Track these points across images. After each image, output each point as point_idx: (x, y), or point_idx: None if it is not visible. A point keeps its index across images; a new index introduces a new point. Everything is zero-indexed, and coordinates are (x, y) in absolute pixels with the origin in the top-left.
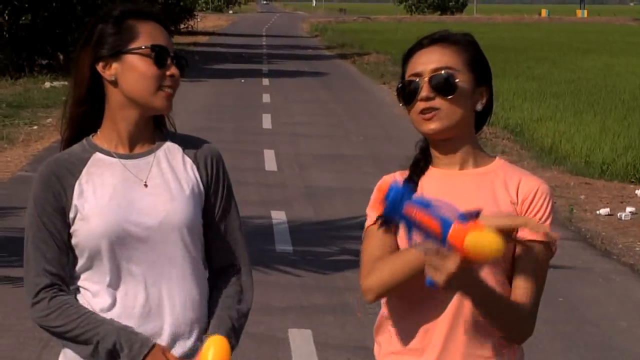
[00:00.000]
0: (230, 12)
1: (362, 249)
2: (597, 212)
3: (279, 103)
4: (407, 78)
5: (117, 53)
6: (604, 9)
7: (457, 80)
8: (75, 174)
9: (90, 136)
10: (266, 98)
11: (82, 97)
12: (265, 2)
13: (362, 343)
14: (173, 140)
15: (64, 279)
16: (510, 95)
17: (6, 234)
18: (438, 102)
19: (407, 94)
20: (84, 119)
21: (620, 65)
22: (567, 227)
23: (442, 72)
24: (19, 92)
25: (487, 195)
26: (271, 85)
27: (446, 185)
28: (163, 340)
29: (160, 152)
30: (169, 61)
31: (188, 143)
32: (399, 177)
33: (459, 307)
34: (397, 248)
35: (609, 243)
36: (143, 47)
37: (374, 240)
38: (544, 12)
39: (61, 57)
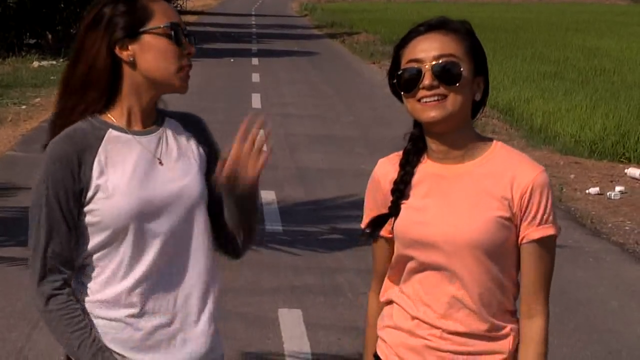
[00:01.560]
0: None
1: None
2: (587, 191)
3: (269, 83)
4: (405, 65)
5: (134, 33)
6: None
7: (461, 69)
8: (93, 152)
9: (97, 114)
10: (255, 78)
11: (98, 79)
12: None
13: (353, 323)
14: (169, 115)
15: (72, 262)
16: (500, 75)
17: None
18: (442, 90)
19: (406, 81)
20: (94, 96)
21: (610, 46)
22: (557, 207)
23: (446, 59)
24: (7, 72)
25: (478, 193)
26: (260, 65)
27: (438, 182)
28: (179, 308)
29: (166, 129)
30: (184, 39)
31: (182, 118)
32: (393, 160)
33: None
34: (388, 261)
35: (598, 222)
36: (162, 26)
37: (374, 253)
38: None
39: (50, 36)
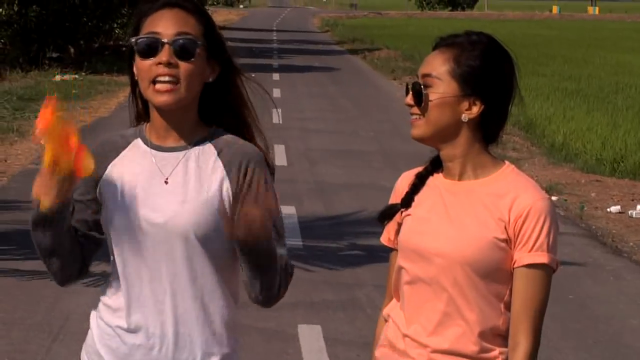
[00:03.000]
0: (241, 6)
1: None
2: (608, 209)
3: (289, 98)
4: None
5: (132, 53)
6: (615, 6)
7: (426, 91)
8: (114, 155)
9: (144, 123)
10: (276, 93)
11: (132, 86)
12: None
13: (372, 339)
14: (213, 141)
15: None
16: (522, 91)
17: (16, 227)
18: (415, 110)
19: (406, 92)
20: (138, 106)
21: (632, 63)
22: (577, 225)
23: (422, 80)
24: (29, 85)
25: (476, 211)
26: (281, 80)
27: (442, 196)
28: (168, 339)
29: (192, 151)
30: (159, 48)
31: (228, 146)
32: (413, 174)
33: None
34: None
35: (619, 241)
36: (132, 41)
37: (390, 266)
38: (555, 9)
39: (72, 50)
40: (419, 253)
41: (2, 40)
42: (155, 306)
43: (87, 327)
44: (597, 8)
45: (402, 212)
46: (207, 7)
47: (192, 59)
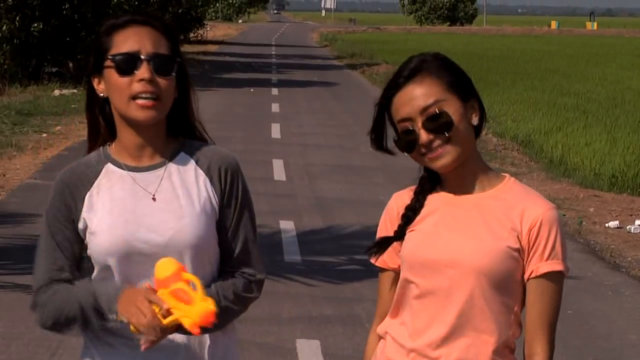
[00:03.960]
0: (240, 21)
1: (377, 290)
2: (607, 224)
3: (288, 113)
4: (398, 125)
5: (99, 68)
6: (613, 21)
7: (450, 114)
8: (87, 186)
9: (107, 144)
10: (275, 108)
11: (88, 104)
12: (276, 11)
13: None
14: (187, 151)
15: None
16: (520, 106)
17: (14, 242)
18: (439, 142)
19: (407, 144)
20: (99, 125)
21: (631, 78)
22: (576, 240)
23: (433, 110)
24: (28, 100)
25: (488, 222)
26: (280, 95)
27: (449, 210)
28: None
29: (172, 165)
30: (138, 65)
31: (203, 154)
32: (407, 196)
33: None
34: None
35: (618, 256)
36: (109, 58)
37: (379, 287)
38: (553, 24)
39: (71, 65)
40: (429, 266)
41: (3, 56)
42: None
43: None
44: (595, 23)
45: (399, 226)
46: (205, 22)
47: (170, 76)
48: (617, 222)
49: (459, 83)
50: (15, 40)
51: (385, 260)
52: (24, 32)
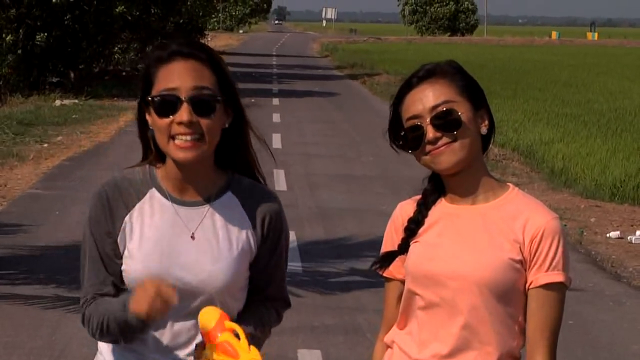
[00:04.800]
0: (241, 31)
1: (383, 299)
2: (608, 235)
3: (289, 123)
4: (406, 123)
5: (145, 102)
6: (614, 31)
7: (459, 113)
8: (129, 206)
9: (155, 166)
10: (276, 117)
11: (140, 128)
12: (277, 22)
13: None
14: (235, 190)
15: (115, 294)
16: (521, 117)
17: (16, 252)
18: (445, 140)
19: (412, 140)
20: (150, 145)
21: (631, 89)
22: (577, 250)
23: (442, 108)
24: (29, 110)
25: (491, 234)
26: (281, 105)
27: (452, 221)
28: None
29: (216, 204)
30: (178, 106)
31: (250, 196)
32: (411, 207)
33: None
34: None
35: (619, 266)
36: (150, 98)
37: (385, 297)
38: (554, 35)
39: (72, 75)
40: (432, 278)
41: (6, 66)
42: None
43: (88, 352)
44: (596, 33)
45: (402, 239)
46: (206, 32)
47: (212, 115)
48: (618, 233)
49: (471, 90)
50: (18, 51)
51: (391, 270)
52: (26, 42)
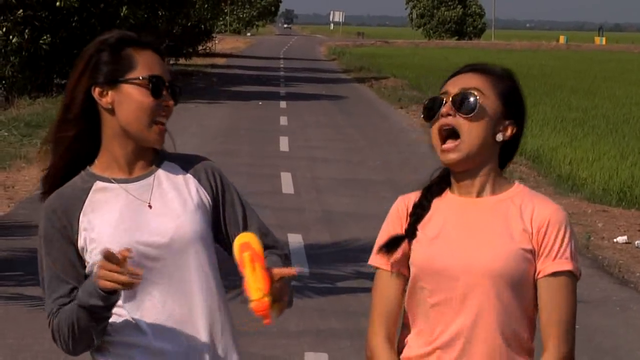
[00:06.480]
0: (248, 34)
1: (372, 292)
2: (615, 240)
3: (296, 126)
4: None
5: (114, 81)
6: (622, 36)
7: (479, 100)
8: (79, 206)
9: (88, 167)
10: (283, 121)
11: (74, 118)
12: (286, 26)
13: None
14: (170, 159)
15: None
16: (528, 121)
17: (23, 254)
18: (456, 120)
19: (428, 109)
20: (76, 144)
21: (639, 94)
22: (584, 255)
23: (468, 90)
24: (37, 112)
25: (500, 225)
26: (288, 108)
27: (459, 214)
28: (199, 346)
29: (160, 173)
30: (164, 91)
31: (184, 161)
32: (413, 197)
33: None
34: (399, 299)
35: (626, 271)
36: (140, 78)
37: (379, 289)
38: (562, 39)
39: None
40: (443, 273)
41: (12, 68)
42: (172, 322)
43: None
44: (604, 38)
45: (409, 224)
46: (214, 35)
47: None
48: (625, 238)
49: (509, 98)
50: (24, 53)
51: (391, 262)
52: (33, 44)
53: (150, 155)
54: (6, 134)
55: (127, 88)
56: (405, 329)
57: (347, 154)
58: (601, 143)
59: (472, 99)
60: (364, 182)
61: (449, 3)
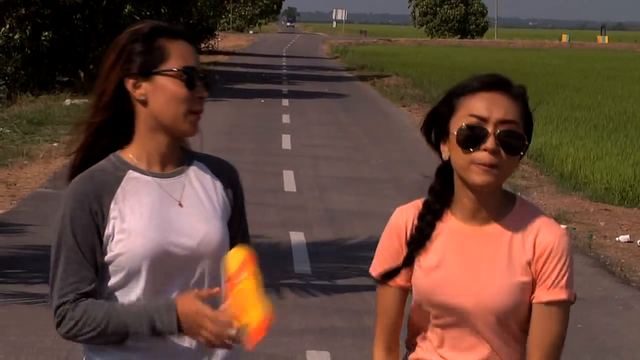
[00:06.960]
0: (251, 32)
1: (376, 301)
2: (617, 238)
3: (299, 124)
4: (467, 120)
5: (147, 73)
6: (625, 35)
7: (524, 142)
8: (111, 193)
9: (118, 152)
10: (286, 119)
11: (104, 106)
12: (289, 24)
13: None
14: (198, 158)
15: (94, 297)
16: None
17: (25, 251)
18: (500, 158)
19: (469, 138)
20: (103, 129)
21: None
22: (586, 254)
23: (510, 127)
24: (39, 109)
25: (502, 258)
26: (291, 106)
27: (460, 244)
28: (198, 345)
29: (190, 172)
30: (198, 82)
31: (212, 163)
32: (412, 212)
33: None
34: (399, 309)
35: (628, 270)
36: (175, 69)
37: (381, 302)
38: (564, 38)
39: (82, 74)
40: (445, 307)
41: (15, 65)
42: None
43: None
44: (606, 37)
45: (407, 254)
46: (216, 32)
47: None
48: (627, 236)
49: (527, 121)
50: (26, 50)
51: (393, 279)
52: (35, 41)
53: (179, 153)
54: (8, 131)
55: (161, 80)
56: (409, 341)
57: (349, 152)
58: (604, 142)
59: (518, 141)
60: (367, 180)
61: (452, 1)
